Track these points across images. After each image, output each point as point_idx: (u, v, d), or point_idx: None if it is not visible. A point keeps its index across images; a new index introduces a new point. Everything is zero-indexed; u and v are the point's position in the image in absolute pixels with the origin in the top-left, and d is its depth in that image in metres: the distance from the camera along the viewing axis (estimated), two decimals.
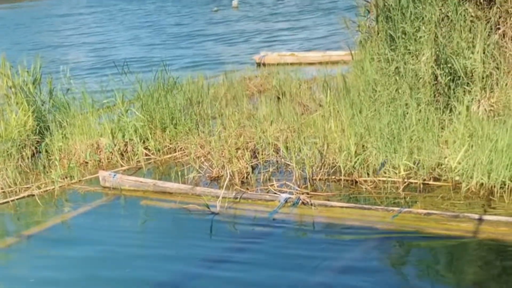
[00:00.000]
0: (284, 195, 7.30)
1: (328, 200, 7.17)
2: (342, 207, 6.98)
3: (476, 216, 6.36)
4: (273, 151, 8.44)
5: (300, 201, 7.14)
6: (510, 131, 6.97)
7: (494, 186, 6.84)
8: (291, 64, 14.55)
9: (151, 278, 5.99)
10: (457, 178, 7.10)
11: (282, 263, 6.00)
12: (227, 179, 7.71)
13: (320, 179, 7.72)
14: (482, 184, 6.94)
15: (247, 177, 8.01)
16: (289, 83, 11.60)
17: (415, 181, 7.29)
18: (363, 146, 7.82)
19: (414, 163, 7.38)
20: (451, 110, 7.95)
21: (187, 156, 8.77)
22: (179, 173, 8.23)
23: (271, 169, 8.14)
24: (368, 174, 7.53)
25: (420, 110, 7.90)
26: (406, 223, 6.49)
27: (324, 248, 6.21)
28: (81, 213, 7.72)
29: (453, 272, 5.77)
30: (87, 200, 8.05)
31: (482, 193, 6.88)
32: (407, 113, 7.93)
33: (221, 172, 8.12)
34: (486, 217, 6.34)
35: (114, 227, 7.24)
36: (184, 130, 9.42)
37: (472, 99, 7.93)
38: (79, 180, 8.60)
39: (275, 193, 7.41)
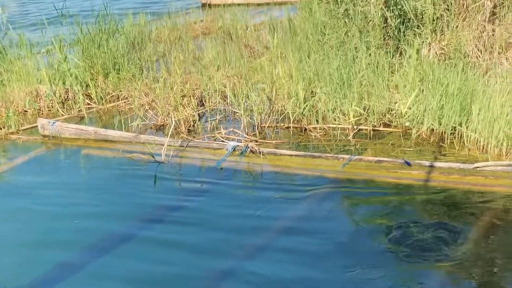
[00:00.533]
0: (232, 143, 7.05)
1: (277, 148, 6.95)
2: (291, 155, 6.76)
3: (427, 163, 6.23)
4: (221, 98, 8.14)
5: (249, 149, 6.90)
6: (461, 75, 6.82)
7: (445, 132, 6.72)
8: (238, 5, 14.10)
9: (89, 231, 5.67)
10: (407, 124, 6.94)
11: (227, 218, 5.73)
12: (173, 127, 7.39)
13: (269, 127, 7.47)
14: (432, 130, 6.81)
15: (193, 125, 7.72)
16: (235, 25, 11.21)
17: (365, 127, 7.12)
18: (312, 91, 7.59)
19: (364, 109, 7.19)
20: (401, 54, 7.75)
21: (131, 105, 8.40)
22: (123, 121, 7.88)
23: (218, 117, 7.86)
24: (317, 121, 7.31)
25: (370, 54, 7.67)
26: (356, 171, 6.33)
27: (273, 199, 5.98)
28: (19, 163, 7.32)
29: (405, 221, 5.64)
30: (26, 151, 7.64)
31: (433, 139, 6.75)
32: (357, 57, 7.70)
33: (167, 120, 7.80)
34: (437, 163, 6.21)
35: (53, 178, 6.87)
36: (127, 77, 9.00)
37: (423, 42, 7.73)
38: (18, 130, 8.15)
39: (223, 141, 7.15)
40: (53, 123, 7.90)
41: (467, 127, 6.56)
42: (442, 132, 6.75)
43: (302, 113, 7.35)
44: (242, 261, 5.10)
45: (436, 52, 7.47)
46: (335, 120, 7.25)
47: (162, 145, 7.06)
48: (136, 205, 6.10)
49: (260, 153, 6.80)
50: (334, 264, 4.91)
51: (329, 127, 7.25)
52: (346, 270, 4.81)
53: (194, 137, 7.39)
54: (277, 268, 4.91)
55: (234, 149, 6.96)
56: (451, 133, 6.68)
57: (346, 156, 6.54)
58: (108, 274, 5.06)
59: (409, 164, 6.21)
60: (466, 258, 4.84)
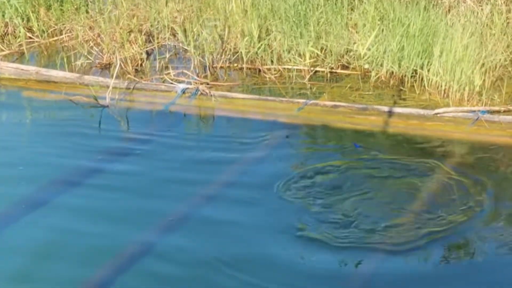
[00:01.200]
0: (182, 85, 6.60)
1: (229, 91, 6.54)
2: (244, 98, 6.37)
3: (386, 109, 5.92)
4: (170, 34, 7.60)
5: (199, 92, 6.48)
6: (423, 14, 6.43)
7: (405, 75, 6.38)
8: None
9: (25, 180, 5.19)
10: (366, 66, 6.58)
11: (171, 170, 5.26)
12: (118, 67, 6.85)
13: (221, 67, 7.02)
14: (392, 73, 6.46)
15: (141, 65, 7.22)
16: None
17: (322, 69, 6.74)
18: (267, 29, 7.13)
19: (321, 50, 6.79)
20: None
21: (75, 39, 7.84)
22: (66, 59, 7.33)
23: (168, 56, 7.34)
24: (272, 61, 6.88)
25: None
26: (312, 116, 5.99)
27: (224, 146, 5.59)
28: None
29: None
30: None
31: (392, 82, 6.43)
32: None
33: (113, 58, 7.27)
34: (396, 109, 5.90)
35: None
36: (71, 9, 8.38)
37: None
38: None
39: (172, 83, 6.71)
40: None
41: (428, 70, 6.23)
42: (402, 75, 6.41)
43: (256, 53, 6.90)
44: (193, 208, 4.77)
45: None
46: (290, 61, 6.85)
47: (107, 87, 6.57)
48: (79, 150, 5.62)
49: (211, 95, 6.39)
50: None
51: (284, 68, 6.83)
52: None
53: (141, 78, 6.90)
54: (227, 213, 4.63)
55: (183, 91, 6.52)
56: (411, 76, 6.35)
57: (302, 100, 6.18)
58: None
59: (358, 147, 5.86)
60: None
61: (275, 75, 6.76)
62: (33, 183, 5.10)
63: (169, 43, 7.57)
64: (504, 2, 6.80)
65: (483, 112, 5.70)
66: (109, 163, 5.43)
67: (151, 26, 7.66)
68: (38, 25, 8.13)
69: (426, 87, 6.23)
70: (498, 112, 5.74)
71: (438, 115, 5.76)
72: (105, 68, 7.29)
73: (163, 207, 4.69)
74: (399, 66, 6.37)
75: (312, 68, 6.70)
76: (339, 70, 6.73)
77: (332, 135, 5.77)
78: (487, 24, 6.55)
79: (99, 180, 5.17)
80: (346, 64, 6.77)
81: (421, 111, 5.83)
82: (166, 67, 7.13)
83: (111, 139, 5.87)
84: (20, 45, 7.93)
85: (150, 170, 5.27)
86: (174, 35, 7.60)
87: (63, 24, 8.20)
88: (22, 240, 4.44)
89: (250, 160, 5.35)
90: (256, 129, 5.84)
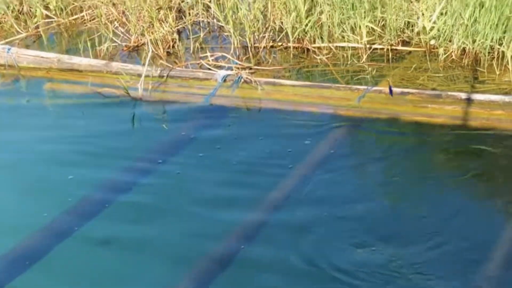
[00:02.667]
0: (222, 72, 5.71)
1: (276, 77, 5.64)
2: (294, 86, 5.46)
3: (464, 96, 4.99)
4: (203, 9, 6.69)
5: (242, 80, 5.63)
6: None
7: (481, 52, 5.43)
8: None
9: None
10: (432, 42, 5.64)
11: (214, 178, 4.44)
12: (150, 54, 5.94)
13: (264, 47, 6.12)
14: (464, 49, 5.50)
15: (173, 46, 6.34)
16: None
17: (381, 46, 5.81)
18: (314, 1, 6.20)
19: (378, 23, 5.86)
20: None
21: (96, 19, 6.95)
22: (89, 43, 6.45)
23: (202, 34, 6.46)
24: (322, 39, 5.97)
25: None
26: (376, 106, 5.07)
27: (272, 148, 4.70)
28: None
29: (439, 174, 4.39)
30: None
31: (466, 61, 5.45)
32: None
33: (141, 39, 6.42)
34: (476, 96, 4.97)
35: (11, 123, 5.50)
36: None
37: None
38: None
39: (211, 69, 5.84)
40: (8, 49, 6.48)
41: (508, 47, 5.28)
42: (476, 52, 5.45)
43: (304, 30, 6.00)
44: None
45: None
46: (344, 38, 5.93)
47: (138, 75, 5.73)
48: (112, 155, 4.79)
49: (256, 83, 5.53)
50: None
51: (336, 47, 5.92)
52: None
53: (175, 62, 6.05)
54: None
55: (224, 79, 5.67)
56: (488, 53, 5.40)
57: (362, 87, 5.25)
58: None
59: (391, 93, 5.01)
60: None
61: (327, 56, 5.84)
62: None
63: (202, 19, 6.68)
64: None
65: None
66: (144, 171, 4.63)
67: (182, 0, 6.75)
68: (56, 1, 7.26)
69: (509, 66, 5.25)
70: None
71: None
72: (133, 50, 6.44)
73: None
74: (473, 42, 5.44)
75: (369, 46, 5.80)
76: (399, 47, 5.78)
77: (405, 130, 4.88)
78: None
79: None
80: (407, 40, 5.83)
81: (506, 98, 4.89)
82: (202, 48, 6.26)
83: (146, 140, 5.02)
84: (37, 26, 7.08)
85: (189, 179, 4.46)
86: (208, 9, 6.70)
87: (83, 1, 7.32)
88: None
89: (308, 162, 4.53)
90: (310, 124, 5.00)
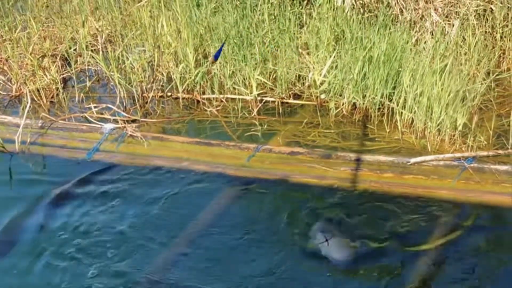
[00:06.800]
0: (108, 126, 5.16)
1: (164, 131, 5.15)
2: (182, 142, 4.99)
3: (353, 156, 4.61)
4: (91, 57, 6.08)
5: (128, 134, 5.09)
6: (390, 35, 5.14)
7: (371, 108, 5.11)
8: None
9: None
10: (323, 96, 5.26)
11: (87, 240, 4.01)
12: (29, 105, 5.29)
13: (153, 97, 5.57)
14: (355, 105, 5.17)
15: (57, 95, 5.72)
16: None
17: (272, 99, 5.40)
18: (204, 51, 5.74)
19: (269, 76, 5.46)
20: (309, 2, 5.95)
21: None
22: None
23: (89, 82, 5.82)
24: (213, 90, 5.51)
25: (271, 3, 5.83)
26: (266, 166, 4.63)
27: (147, 217, 4.22)
28: None
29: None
30: None
31: (357, 117, 5.10)
32: (258, 7, 5.82)
33: (23, 89, 5.75)
34: (365, 157, 4.61)
35: None
36: None
37: None
38: None
39: (95, 122, 5.26)
40: None
41: (397, 103, 4.98)
42: (367, 108, 5.11)
43: (193, 80, 5.52)
44: None
45: (353, 3, 5.69)
46: (234, 90, 5.49)
47: (17, 127, 5.11)
48: None
49: (142, 139, 5.00)
50: None
51: (227, 98, 5.45)
52: None
53: (57, 113, 5.43)
54: None
55: (110, 133, 5.09)
56: (378, 109, 5.08)
57: (252, 145, 4.83)
58: None
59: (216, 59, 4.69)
60: None
61: (217, 108, 5.38)
62: None
63: (90, 67, 6.08)
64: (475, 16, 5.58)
65: (470, 160, 4.50)
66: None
67: (68, 48, 6.12)
68: None
69: (398, 124, 4.92)
70: (487, 157, 4.54)
71: (416, 164, 4.53)
72: (16, 100, 5.76)
73: None
74: (363, 97, 5.10)
75: (260, 98, 5.37)
76: (291, 100, 5.38)
77: (294, 194, 4.45)
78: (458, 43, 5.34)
79: None
80: (298, 93, 5.43)
81: (395, 159, 4.55)
82: (87, 97, 5.66)
83: (19, 199, 4.40)
84: None
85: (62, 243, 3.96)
86: (95, 58, 6.11)
87: None
88: None
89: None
90: (198, 185, 4.51)
